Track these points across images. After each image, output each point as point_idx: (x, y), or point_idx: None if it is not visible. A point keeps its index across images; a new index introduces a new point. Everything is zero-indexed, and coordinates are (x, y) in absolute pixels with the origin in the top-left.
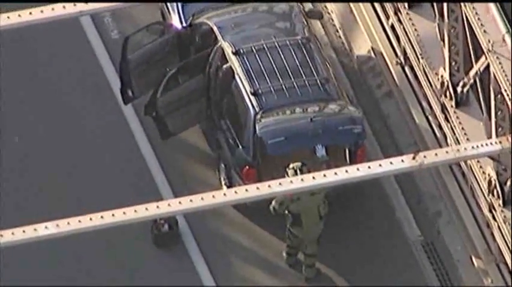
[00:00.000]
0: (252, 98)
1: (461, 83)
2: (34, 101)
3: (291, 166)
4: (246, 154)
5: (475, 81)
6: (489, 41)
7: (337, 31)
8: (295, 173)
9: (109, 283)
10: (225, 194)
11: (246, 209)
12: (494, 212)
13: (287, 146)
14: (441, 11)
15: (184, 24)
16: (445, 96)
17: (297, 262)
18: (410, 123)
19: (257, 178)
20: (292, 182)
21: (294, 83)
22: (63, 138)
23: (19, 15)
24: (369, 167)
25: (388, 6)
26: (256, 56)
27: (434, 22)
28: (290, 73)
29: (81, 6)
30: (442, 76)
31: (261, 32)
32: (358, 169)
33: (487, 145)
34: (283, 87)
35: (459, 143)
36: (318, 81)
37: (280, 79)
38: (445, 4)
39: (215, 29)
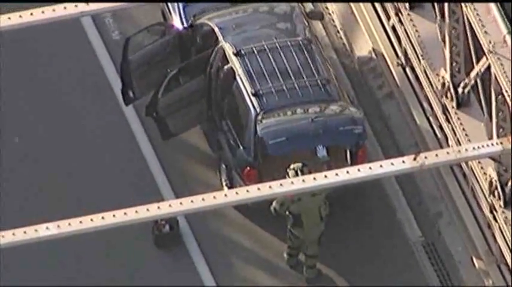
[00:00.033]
0: (253, 98)
1: (462, 84)
2: (35, 101)
3: (291, 166)
4: (247, 155)
5: (476, 82)
6: (490, 42)
7: (338, 32)
8: (296, 174)
9: (110, 283)
10: (226, 195)
11: (247, 209)
12: (495, 213)
13: (288, 147)
14: (442, 12)
15: (185, 25)
16: (446, 97)
17: (298, 263)
18: (411, 124)
19: (258, 178)
20: (293, 183)
21: (295, 84)
22: (64, 139)
23: (20, 16)
24: (370, 168)
25: (389, 7)
26: (257, 56)
27: (435, 23)
28: (291, 74)
29: (82, 7)
30: (443, 77)
31: (262, 33)
32: (359, 170)
33: (488, 145)
34: (284, 88)
35: (460, 144)
36: (319, 82)
37: (281, 80)
38: (446, 5)
39: (216, 29)
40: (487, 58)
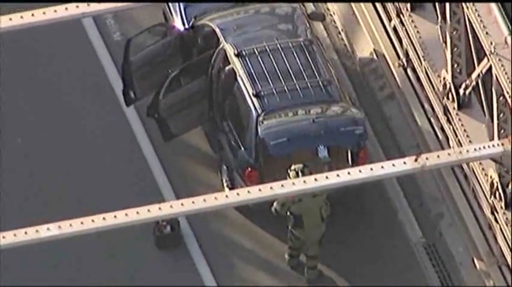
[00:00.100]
0: (254, 100)
1: (463, 85)
2: (35, 102)
3: (292, 167)
4: (248, 156)
5: (477, 83)
6: (491, 43)
7: (340, 33)
8: (297, 175)
9: (111, 284)
10: (227, 196)
11: (248, 210)
12: (496, 214)
13: (289, 147)
14: (443, 13)
15: (186, 26)
16: (447, 98)
17: (299, 264)
18: (413, 126)
19: (259, 179)
20: (295, 184)
21: (296, 85)
22: (65, 140)
23: (21, 17)
24: (371, 169)
25: (390, 8)
26: (259, 58)
27: (437, 24)
28: (292, 75)
29: (83, 8)
30: (444, 78)
31: (263, 34)
32: (360, 171)
33: (489, 147)
34: (286, 89)
35: (461, 145)
36: (320, 83)
37: (283, 81)
38: (447, 6)
39: (217, 30)
40: (488, 59)
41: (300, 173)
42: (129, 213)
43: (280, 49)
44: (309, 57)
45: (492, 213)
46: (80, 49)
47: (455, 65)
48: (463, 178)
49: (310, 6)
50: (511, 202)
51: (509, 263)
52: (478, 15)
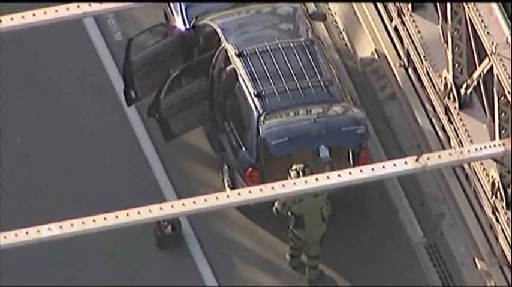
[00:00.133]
0: (256, 100)
1: (464, 85)
2: (36, 102)
3: (293, 167)
4: (249, 156)
5: (478, 83)
6: (493, 43)
7: (341, 33)
8: (298, 175)
9: (112, 284)
10: (228, 196)
11: (249, 210)
12: (497, 214)
13: (290, 147)
14: (444, 13)
15: (187, 26)
16: (449, 98)
17: (300, 264)
18: (414, 125)
19: (260, 179)
20: (296, 184)
21: (298, 85)
22: (65, 140)
23: (22, 17)
24: (372, 169)
25: (392, 8)
26: (260, 58)
27: (438, 24)
28: (293, 75)
29: (84, 8)
30: (445, 78)
31: (264, 34)
32: (361, 171)
33: (490, 147)
34: (287, 89)
35: (462, 145)
36: (322, 83)
37: (284, 81)
38: (448, 6)
39: (218, 30)
40: (489, 59)
41: (301, 173)
42: (130, 213)
43: (281, 49)
44: (310, 57)
45: (493, 213)
46: (81, 49)
47: (457, 65)
48: (464, 178)
49: (311, 6)
50: None
51: (511, 263)
52: (479, 15)
